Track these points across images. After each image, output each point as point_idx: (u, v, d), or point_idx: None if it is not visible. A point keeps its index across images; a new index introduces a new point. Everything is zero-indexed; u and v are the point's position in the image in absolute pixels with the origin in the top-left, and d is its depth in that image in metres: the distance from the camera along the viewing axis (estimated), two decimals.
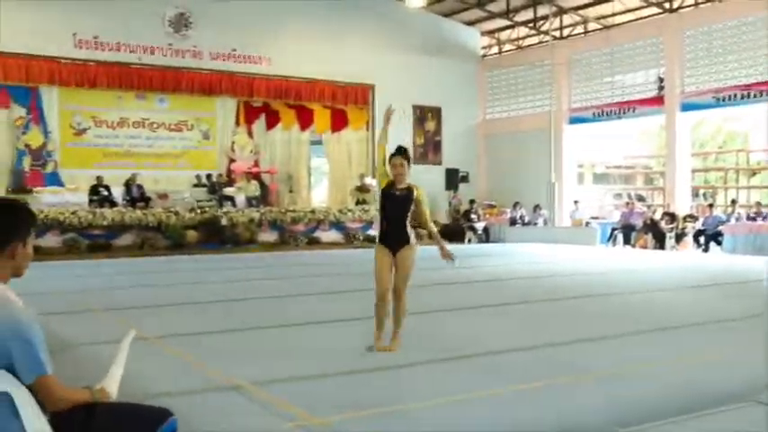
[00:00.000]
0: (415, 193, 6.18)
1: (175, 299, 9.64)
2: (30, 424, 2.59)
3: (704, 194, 26.13)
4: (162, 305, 9.07)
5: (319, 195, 26.77)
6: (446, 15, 25.65)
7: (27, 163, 19.92)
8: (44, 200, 18.27)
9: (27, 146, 20.04)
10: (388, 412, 4.39)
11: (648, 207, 21.79)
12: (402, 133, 24.90)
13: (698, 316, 8.26)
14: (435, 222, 23.31)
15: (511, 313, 8.55)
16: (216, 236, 19.08)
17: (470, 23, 26.29)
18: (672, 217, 19.87)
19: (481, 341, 6.67)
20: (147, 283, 11.60)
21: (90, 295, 9.97)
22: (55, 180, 20.14)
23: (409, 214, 6.23)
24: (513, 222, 23.48)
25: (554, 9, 23.52)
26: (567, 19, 24.36)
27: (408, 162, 6.20)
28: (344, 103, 24.26)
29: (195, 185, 21.15)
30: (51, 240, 17.09)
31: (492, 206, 25.17)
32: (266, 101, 23.49)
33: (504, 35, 26.67)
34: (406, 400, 4.65)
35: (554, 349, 6.30)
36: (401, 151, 6.20)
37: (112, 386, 3.00)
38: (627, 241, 20.30)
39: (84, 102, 21.08)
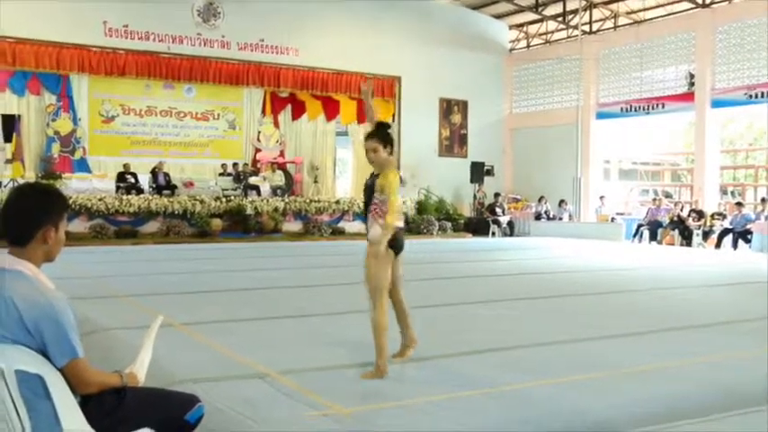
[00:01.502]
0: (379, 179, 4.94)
1: (201, 286, 9.67)
2: (61, 406, 2.61)
3: (733, 192, 25.84)
4: (187, 292, 9.10)
5: (344, 186, 26.82)
6: (474, 8, 25.52)
7: (56, 149, 20.18)
8: (72, 186, 18.49)
9: (56, 132, 20.30)
10: (412, 404, 4.37)
11: (675, 204, 21.57)
12: (428, 126, 24.93)
13: (726, 314, 8.15)
14: (459, 215, 23.67)
15: (536, 307, 8.49)
16: (240, 224, 19.19)
17: (499, 17, 26.14)
18: (699, 214, 19.66)
19: (506, 335, 6.64)
20: (172, 270, 11.66)
21: (116, 281, 10.03)
22: (83, 167, 20.38)
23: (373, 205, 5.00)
24: (537, 217, 23.36)
25: (584, 3, 23.33)
26: (597, 13, 24.14)
27: (385, 144, 4.98)
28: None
29: (221, 174, 21.26)
30: (79, 226, 17.28)
31: (517, 200, 25.08)
32: (293, 91, 23.53)
33: (532, 29, 26.49)
34: (431, 392, 4.63)
35: (579, 345, 6.24)
36: (375, 132, 5.03)
37: (141, 371, 3.02)
38: (653, 238, 20.13)
39: (113, 90, 21.26)
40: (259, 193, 20.73)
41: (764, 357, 5.85)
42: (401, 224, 5.09)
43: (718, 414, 4.26)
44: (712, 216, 19.61)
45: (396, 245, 5.01)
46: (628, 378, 5.11)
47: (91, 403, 2.71)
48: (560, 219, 23.24)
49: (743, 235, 18.29)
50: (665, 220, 20.16)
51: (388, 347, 5.01)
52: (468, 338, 6.43)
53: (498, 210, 23.24)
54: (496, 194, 24.03)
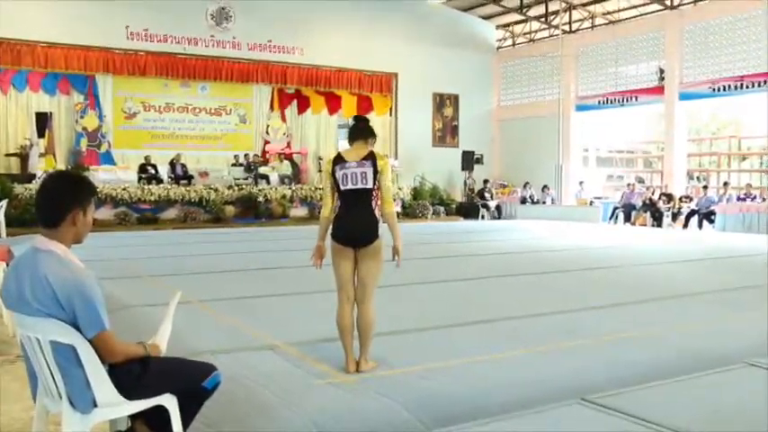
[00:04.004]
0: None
1: (216, 267, 9.65)
2: (91, 373, 2.63)
3: (698, 177, 25.82)
4: (204, 272, 9.09)
5: None
6: (464, 10, 25.36)
7: (84, 144, 20.09)
8: (99, 177, 18.37)
9: (84, 128, 20.21)
10: (415, 371, 4.38)
11: (647, 188, 21.56)
12: (423, 118, 24.90)
13: (696, 287, 8.17)
14: (452, 200, 23.70)
15: (525, 283, 8.51)
16: (252, 211, 19.18)
17: (487, 18, 25.99)
18: (669, 197, 19.67)
19: (499, 308, 6.65)
20: (190, 252, 11.65)
21: (139, 263, 10.03)
22: (108, 159, 20.30)
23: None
24: (523, 201, 23.34)
25: (564, 5, 23.22)
26: (576, 14, 24.01)
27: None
28: (370, 90, 24.12)
29: (233, 165, 21.17)
30: (105, 213, 17.24)
31: (504, 186, 25.02)
32: (298, 88, 23.40)
33: (517, 29, 26.35)
34: (432, 360, 4.63)
35: (564, 316, 6.26)
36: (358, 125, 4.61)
37: (162, 342, 3.03)
38: (627, 219, 20.13)
39: (135, 88, 21.14)
40: (268, 182, 20.67)
41: (732, 323, 5.88)
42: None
43: (686, 375, 4.27)
44: (680, 199, 19.62)
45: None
46: (605, 345, 5.13)
47: (118, 371, 2.73)
48: (544, 203, 23.22)
49: (707, 216, 18.31)
50: (638, 203, 20.15)
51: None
52: (465, 310, 6.44)
53: (487, 195, 23.24)
54: (485, 181, 24.00)
